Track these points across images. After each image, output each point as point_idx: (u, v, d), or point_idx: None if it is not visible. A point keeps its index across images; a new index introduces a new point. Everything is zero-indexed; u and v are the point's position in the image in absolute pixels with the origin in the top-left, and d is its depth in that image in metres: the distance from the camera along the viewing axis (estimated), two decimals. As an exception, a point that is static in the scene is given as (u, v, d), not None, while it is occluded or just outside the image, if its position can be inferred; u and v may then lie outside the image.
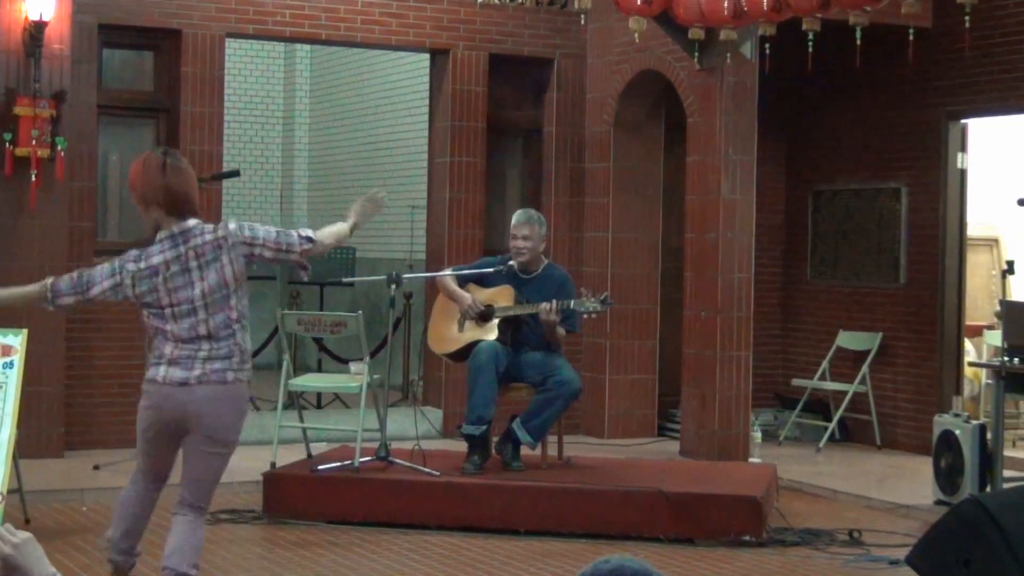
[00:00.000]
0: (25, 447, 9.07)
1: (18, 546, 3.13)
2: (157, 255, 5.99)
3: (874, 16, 9.37)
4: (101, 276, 6.07)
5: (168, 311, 5.95)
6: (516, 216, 9.21)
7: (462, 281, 9.20)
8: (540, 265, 9.16)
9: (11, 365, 7.71)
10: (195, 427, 5.94)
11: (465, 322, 9.08)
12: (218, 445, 6.00)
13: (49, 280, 6.12)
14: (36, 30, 9.99)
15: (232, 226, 6.05)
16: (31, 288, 6.17)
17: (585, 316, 9.06)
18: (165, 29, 11.06)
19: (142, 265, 5.99)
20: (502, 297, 9.02)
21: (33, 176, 9.87)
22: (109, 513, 8.72)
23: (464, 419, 8.97)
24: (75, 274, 6.17)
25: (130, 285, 5.99)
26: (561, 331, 8.97)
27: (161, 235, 6.01)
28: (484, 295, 9.06)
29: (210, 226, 6.05)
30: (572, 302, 8.76)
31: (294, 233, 6.26)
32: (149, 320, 6.04)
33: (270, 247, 6.13)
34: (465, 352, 9.09)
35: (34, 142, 9.84)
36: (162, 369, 5.96)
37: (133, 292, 5.99)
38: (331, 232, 6.47)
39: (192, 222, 6.00)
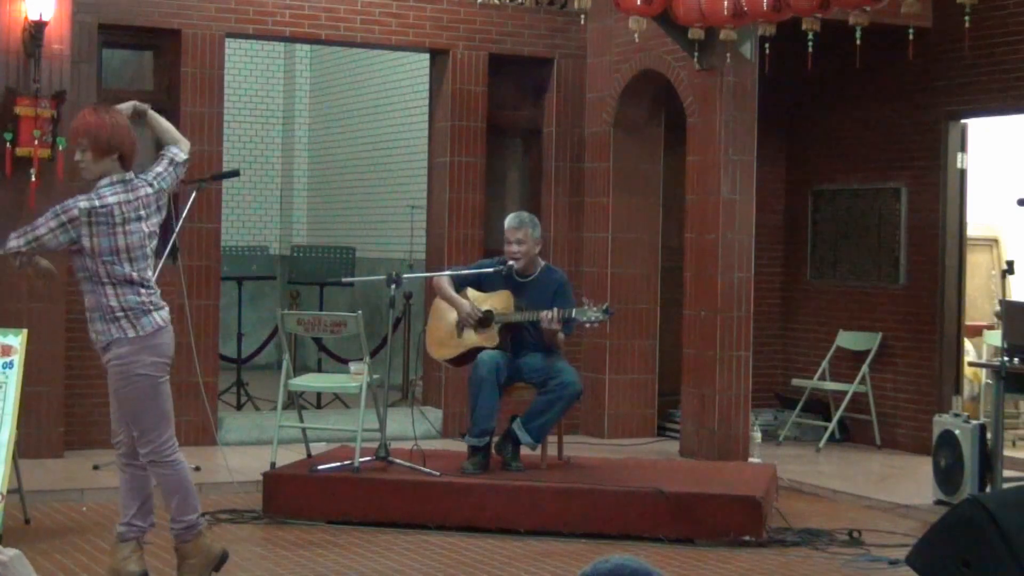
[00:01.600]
0: (25, 447, 9.07)
1: (6, 564, 3.10)
2: (111, 196, 6.35)
3: (874, 16, 9.37)
4: (45, 218, 6.31)
5: (124, 254, 6.32)
6: (508, 220, 9.15)
7: (459, 283, 9.16)
8: (537, 268, 9.13)
9: (11, 365, 7.71)
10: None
11: (463, 327, 9.06)
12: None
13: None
14: (36, 30, 9.99)
15: (156, 184, 6.56)
16: None
17: (588, 325, 9.04)
18: (165, 29, 11.06)
19: (96, 203, 6.29)
20: (500, 301, 9.00)
21: (33, 176, 9.86)
22: (110, 513, 8.74)
23: (468, 431, 8.97)
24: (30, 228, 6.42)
25: (86, 222, 6.24)
26: (561, 336, 8.97)
27: (112, 178, 6.39)
28: (481, 299, 9.03)
29: (142, 179, 6.51)
30: (573, 311, 8.73)
31: (177, 163, 6.84)
32: (103, 267, 6.32)
33: (174, 183, 6.78)
34: (464, 358, 9.08)
35: (36, 142, 9.84)
36: (158, 315, 6.46)
37: (89, 231, 6.23)
38: (168, 129, 7.12)
39: (130, 174, 6.47)
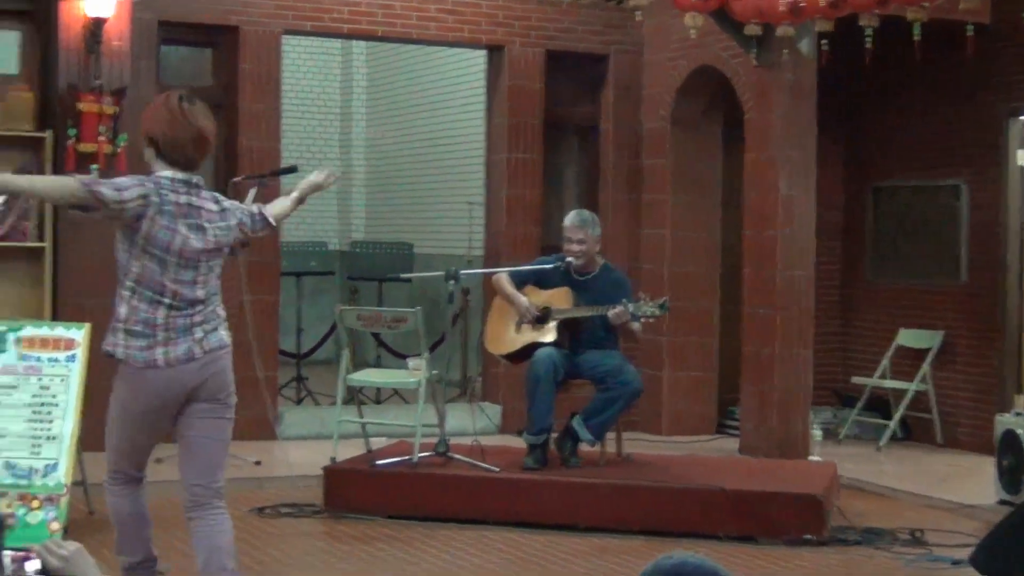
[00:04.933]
0: (88, 440, 9.12)
1: (67, 558, 3.11)
2: (171, 193, 5.47)
3: (932, 12, 9.28)
4: (130, 183, 5.44)
5: (173, 259, 5.44)
6: (569, 218, 9.14)
7: (519, 281, 9.16)
8: (596, 266, 9.11)
9: (74, 359, 7.77)
10: (203, 399, 5.58)
11: (522, 324, 9.06)
12: (226, 408, 5.68)
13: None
14: (96, 27, 10.07)
15: (240, 211, 5.74)
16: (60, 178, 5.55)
17: (643, 320, 9.03)
18: (223, 26, 11.11)
19: (167, 193, 5.46)
20: (560, 299, 8.99)
21: (95, 171, 9.92)
22: (170, 506, 8.79)
23: (525, 428, 8.98)
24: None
25: (155, 203, 5.39)
26: (636, 325, 8.92)
27: (174, 175, 5.53)
28: (541, 297, 9.03)
29: (210, 194, 5.66)
30: (631, 305, 8.71)
31: (256, 213, 5.89)
32: (144, 265, 5.43)
33: (247, 232, 5.78)
34: (522, 354, 9.08)
35: (101, 138, 9.91)
36: (159, 351, 5.45)
37: (151, 213, 5.37)
38: (282, 210, 6.11)
39: (199, 178, 5.62)
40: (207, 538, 5.70)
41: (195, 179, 5.56)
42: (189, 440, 5.70)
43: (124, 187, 5.39)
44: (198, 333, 5.51)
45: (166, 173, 5.52)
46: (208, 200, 5.61)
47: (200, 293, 5.52)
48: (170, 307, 5.45)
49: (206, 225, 5.52)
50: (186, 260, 5.46)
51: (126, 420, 5.71)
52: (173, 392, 5.54)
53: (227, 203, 5.70)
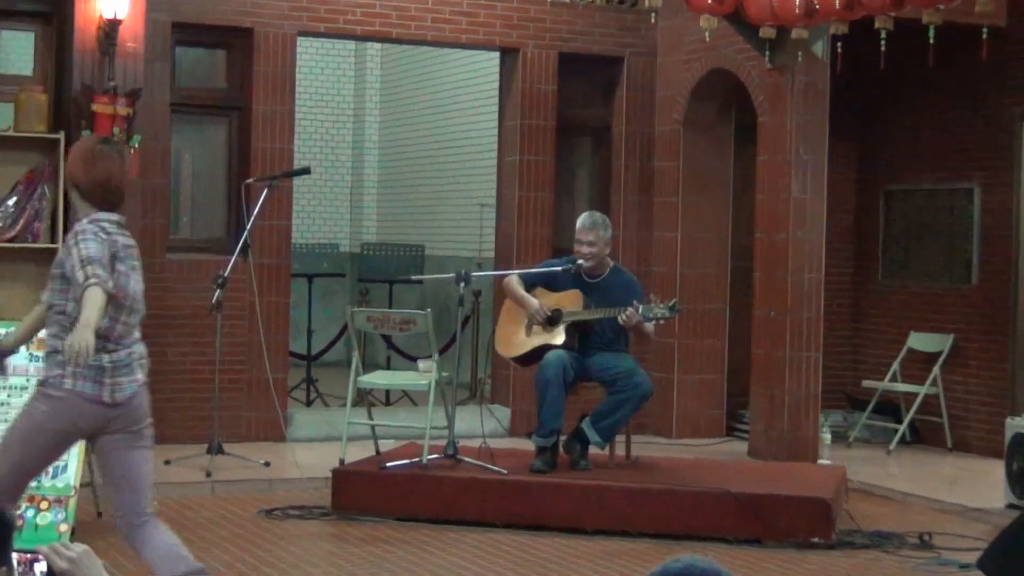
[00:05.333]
0: (98, 441, 9.14)
1: (74, 560, 3.11)
2: (118, 236, 5.59)
3: (947, 15, 9.29)
4: (97, 250, 5.45)
5: (128, 303, 5.59)
6: (580, 220, 9.15)
7: (529, 283, 9.17)
8: (606, 268, 9.12)
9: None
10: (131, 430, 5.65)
11: (532, 326, 9.06)
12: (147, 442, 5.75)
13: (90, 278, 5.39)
14: (110, 28, 10.08)
15: None
16: (95, 296, 5.35)
17: (654, 322, 9.02)
18: (237, 27, 11.14)
19: (116, 240, 5.55)
20: (570, 301, 8.99)
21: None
22: (179, 508, 8.83)
23: (535, 431, 8.99)
24: (87, 260, 5.43)
25: (114, 253, 5.51)
26: (649, 327, 8.92)
27: (110, 216, 5.61)
28: (551, 299, 9.03)
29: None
30: (640, 308, 8.71)
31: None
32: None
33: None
34: (532, 356, 9.09)
35: (115, 140, 9.92)
36: (106, 388, 5.51)
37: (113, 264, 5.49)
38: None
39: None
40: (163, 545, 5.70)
41: (121, 220, 5.67)
42: (119, 467, 5.70)
43: (100, 257, 5.42)
44: (137, 371, 5.66)
45: (102, 215, 5.60)
46: (128, 236, 5.71)
47: (136, 333, 5.69)
48: (117, 342, 5.57)
49: (136, 264, 5.69)
50: (134, 301, 5.64)
51: (41, 441, 5.61)
52: (98, 426, 5.59)
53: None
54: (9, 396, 7.81)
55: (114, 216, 5.62)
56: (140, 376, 5.67)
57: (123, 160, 5.82)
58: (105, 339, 5.47)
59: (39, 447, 5.61)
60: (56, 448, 5.73)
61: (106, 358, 5.51)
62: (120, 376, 5.58)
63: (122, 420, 5.60)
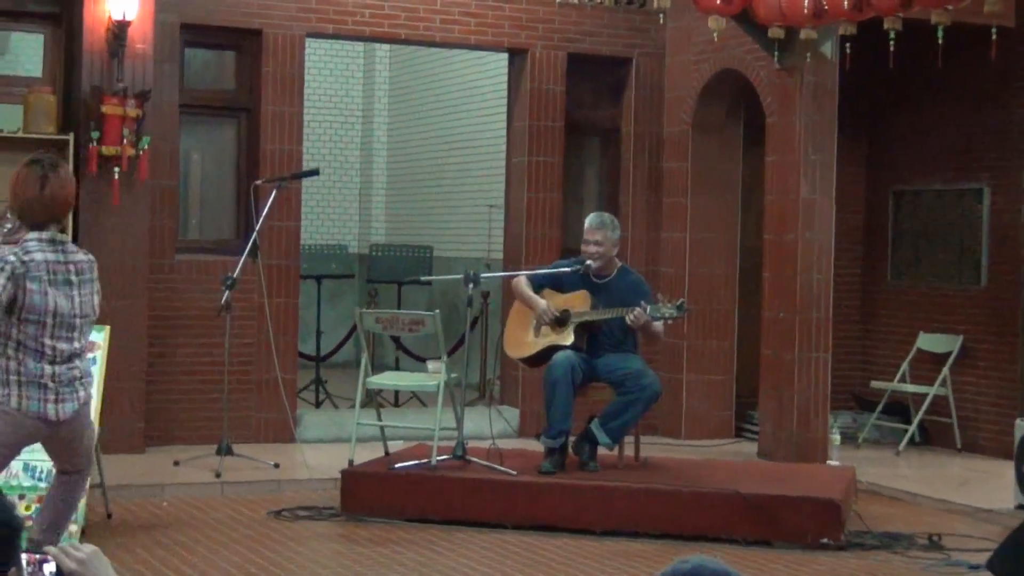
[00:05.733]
0: (107, 442, 9.17)
1: (83, 561, 3.11)
2: (38, 252, 5.84)
3: (956, 15, 9.27)
4: None
5: (50, 320, 5.82)
6: (588, 220, 9.15)
7: (537, 284, 9.17)
8: (614, 268, 9.11)
9: (94, 361, 7.80)
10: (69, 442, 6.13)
11: (540, 327, 9.06)
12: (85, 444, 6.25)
13: None
14: (119, 30, 10.10)
15: (92, 258, 6.12)
16: None
17: (663, 322, 9.01)
18: (246, 29, 11.15)
19: (27, 260, 5.79)
20: (578, 302, 8.99)
21: (116, 174, 9.97)
22: (190, 509, 8.85)
23: (544, 431, 8.98)
24: None
25: (20, 275, 5.75)
26: (658, 326, 8.92)
27: (40, 235, 5.89)
28: (560, 300, 9.03)
29: (81, 249, 6.12)
30: (648, 308, 8.71)
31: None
32: (21, 331, 5.78)
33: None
34: (540, 357, 9.09)
35: (124, 141, 9.94)
36: (49, 406, 5.88)
37: (23, 284, 5.74)
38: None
39: (65, 236, 6.05)
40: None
41: (59, 237, 5.95)
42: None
43: None
44: (79, 390, 6.01)
45: (32, 235, 5.90)
46: (73, 252, 6.00)
47: (76, 347, 5.95)
48: (52, 362, 5.87)
49: (73, 279, 5.92)
50: (62, 320, 5.86)
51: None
52: (43, 436, 6.07)
53: (93, 260, 6.12)
54: None
55: (45, 234, 5.89)
56: (82, 394, 6.01)
57: (51, 178, 5.94)
58: (39, 354, 5.83)
59: None
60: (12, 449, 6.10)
61: (48, 373, 5.87)
62: (64, 393, 5.94)
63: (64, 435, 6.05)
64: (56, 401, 5.88)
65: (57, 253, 5.88)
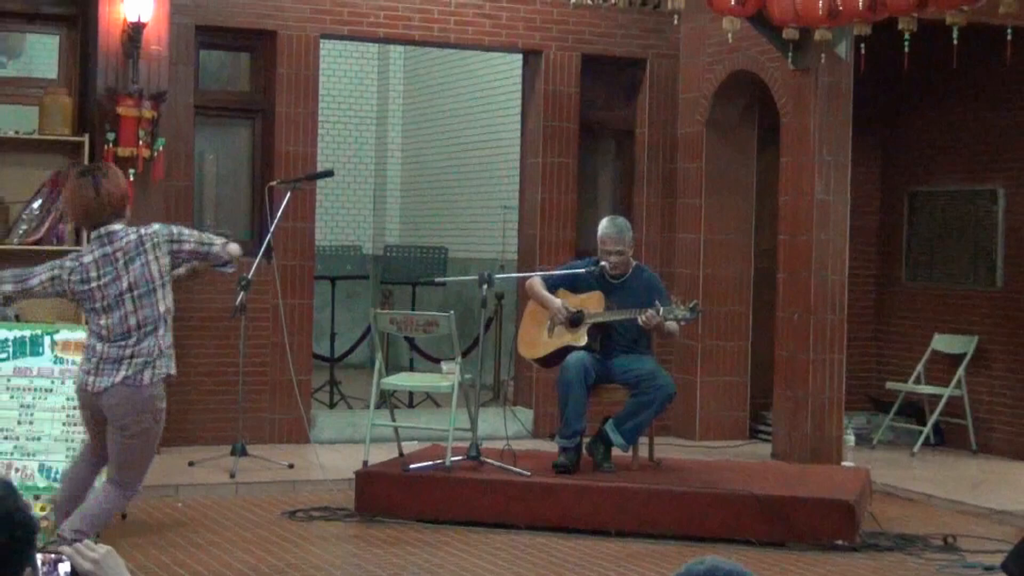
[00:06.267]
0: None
1: (98, 561, 3.12)
2: (87, 254, 6.71)
3: (971, 16, 9.25)
4: (42, 270, 6.74)
5: (100, 304, 6.62)
6: (604, 229, 9.08)
7: (552, 285, 9.17)
8: (629, 268, 9.11)
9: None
10: (110, 420, 6.69)
11: (555, 327, 9.06)
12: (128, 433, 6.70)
13: None
14: (135, 31, 10.12)
15: (156, 226, 6.78)
16: None
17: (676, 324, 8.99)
18: (261, 31, 11.17)
19: (76, 264, 6.69)
20: (592, 303, 8.99)
21: (132, 175, 9.98)
22: (204, 509, 8.86)
23: (558, 432, 8.99)
24: (19, 269, 6.85)
25: (67, 280, 6.65)
26: (672, 325, 8.91)
27: (101, 231, 6.69)
28: (574, 301, 9.03)
29: (134, 228, 6.73)
30: (662, 308, 8.69)
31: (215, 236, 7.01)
32: (87, 316, 6.78)
33: (192, 241, 6.82)
34: (554, 357, 9.09)
35: (140, 143, 9.95)
36: (90, 378, 6.65)
37: (69, 286, 6.66)
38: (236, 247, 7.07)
39: (117, 226, 6.68)
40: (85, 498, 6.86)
41: (105, 231, 6.68)
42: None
43: (34, 274, 6.73)
44: (122, 369, 6.64)
45: (92, 235, 6.74)
46: (122, 236, 6.69)
47: (132, 321, 6.66)
48: (106, 341, 6.65)
49: (120, 264, 6.63)
50: (110, 302, 6.62)
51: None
52: (95, 410, 6.74)
53: (153, 229, 6.77)
54: (35, 399, 7.83)
55: (94, 233, 6.71)
56: (122, 374, 6.62)
57: (103, 181, 6.69)
58: (95, 334, 6.70)
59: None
60: (86, 424, 6.96)
61: (99, 350, 6.66)
62: (105, 369, 6.65)
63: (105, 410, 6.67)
64: (95, 374, 6.63)
65: (104, 247, 6.65)
